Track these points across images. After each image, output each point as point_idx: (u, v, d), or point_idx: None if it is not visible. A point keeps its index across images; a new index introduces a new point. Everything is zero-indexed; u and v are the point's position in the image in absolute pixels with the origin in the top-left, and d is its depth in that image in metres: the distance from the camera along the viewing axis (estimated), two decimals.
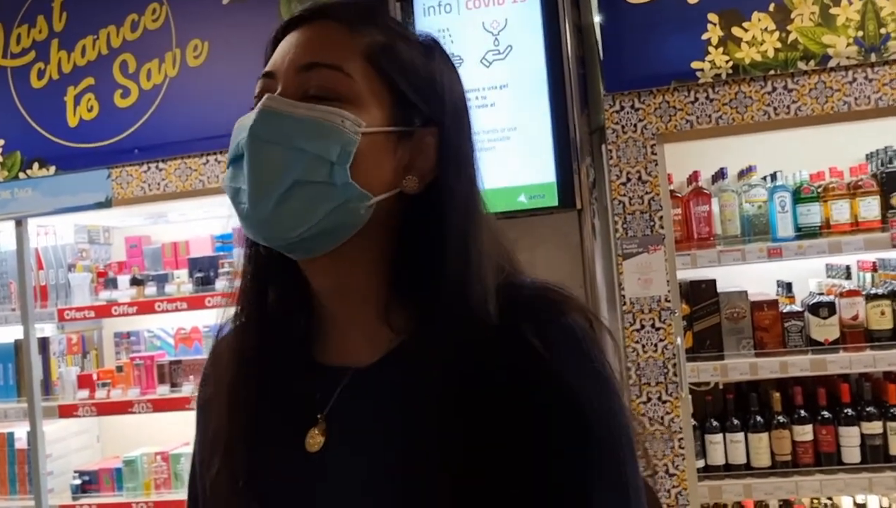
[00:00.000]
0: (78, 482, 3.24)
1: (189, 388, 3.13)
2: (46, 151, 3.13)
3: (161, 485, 3.18)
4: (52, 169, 3.13)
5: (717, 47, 2.49)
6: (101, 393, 3.20)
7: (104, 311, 3.20)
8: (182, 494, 3.13)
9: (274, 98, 0.76)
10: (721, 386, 2.68)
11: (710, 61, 2.49)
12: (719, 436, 2.61)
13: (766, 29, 2.47)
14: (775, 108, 2.47)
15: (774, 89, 2.47)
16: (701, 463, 2.61)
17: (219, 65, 2.96)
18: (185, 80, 2.98)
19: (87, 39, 3.08)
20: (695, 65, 2.50)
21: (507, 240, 0.85)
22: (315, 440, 0.79)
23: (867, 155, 2.79)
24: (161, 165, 3.00)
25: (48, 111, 3.13)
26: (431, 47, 0.85)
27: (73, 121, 3.10)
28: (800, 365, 2.50)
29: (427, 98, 0.81)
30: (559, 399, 0.73)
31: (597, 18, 2.62)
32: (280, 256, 0.81)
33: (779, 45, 2.46)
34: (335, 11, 0.81)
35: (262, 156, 0.74)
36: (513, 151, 2.72)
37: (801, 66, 2.44)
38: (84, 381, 3.25)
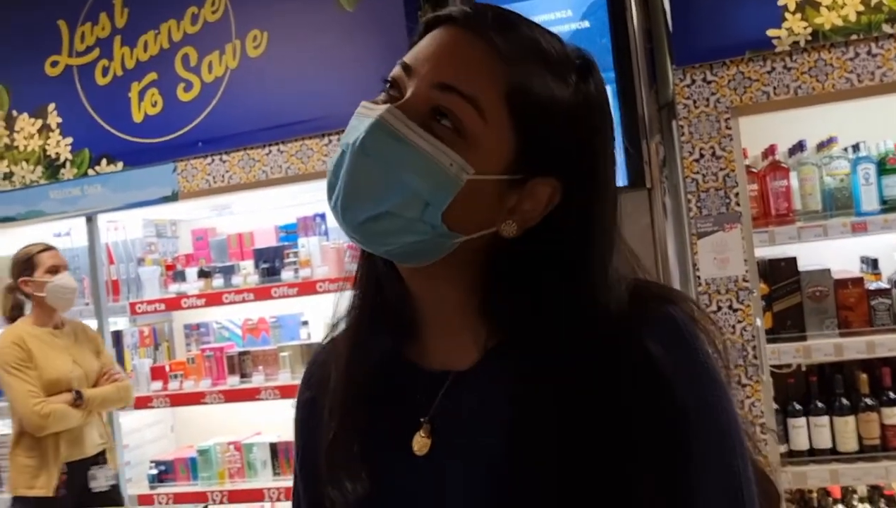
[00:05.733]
0: (154, 471, 3.31)
1: (259, 378, 3.15)
2: (114, 147, 3.17)
3: (235, 474, 3.22)
4: (120, 165, 3.17)
5: (794, 13, 2.36)
6: (173, 385, 3.25)
7: (174, 304, 3.25)
8: (254, 483, 3.17)
9: (394, 112, 0.72)
10: (804, 369, 2.58)
11: (787, 28, 2.36)
12: (802, 420, 2.52)
13: None
14: (858, 75, 2.34)
15: (857, 55, 2.34)
16: (784, 448, 2.52)
17: (278, 54, 2.95)
18: (246, 71, 2.98)
19: (149, 34, 3.11)
20: (771, 32, 2.38)
21: (636, 264, 0.82)
22: (421, 443, 0.78)
23: None
24: (224, 157, 3.01)
25: (114, 107, 3.17)
26: (585, 74, 0.78)
27: (138, 117, 3.13)
28: (888, 344, 2.40)
29: (559, 147, 0.75)
30: (657, 390, 0.72)
31: None
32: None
33: (861, 7, 2.32)
34: (486, 23, 0.74)
35: (364, 172, 0.72)
36: None
37: (886, 28, 2.31)
38: (157, 373, 3.30)
